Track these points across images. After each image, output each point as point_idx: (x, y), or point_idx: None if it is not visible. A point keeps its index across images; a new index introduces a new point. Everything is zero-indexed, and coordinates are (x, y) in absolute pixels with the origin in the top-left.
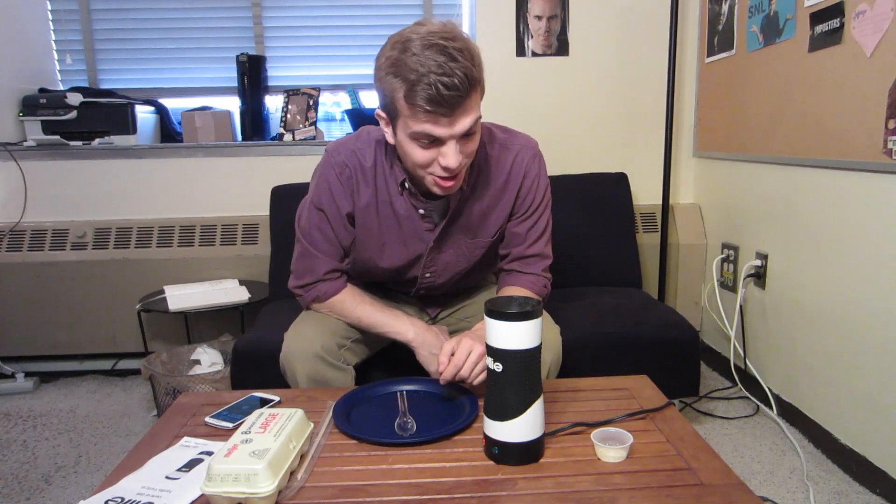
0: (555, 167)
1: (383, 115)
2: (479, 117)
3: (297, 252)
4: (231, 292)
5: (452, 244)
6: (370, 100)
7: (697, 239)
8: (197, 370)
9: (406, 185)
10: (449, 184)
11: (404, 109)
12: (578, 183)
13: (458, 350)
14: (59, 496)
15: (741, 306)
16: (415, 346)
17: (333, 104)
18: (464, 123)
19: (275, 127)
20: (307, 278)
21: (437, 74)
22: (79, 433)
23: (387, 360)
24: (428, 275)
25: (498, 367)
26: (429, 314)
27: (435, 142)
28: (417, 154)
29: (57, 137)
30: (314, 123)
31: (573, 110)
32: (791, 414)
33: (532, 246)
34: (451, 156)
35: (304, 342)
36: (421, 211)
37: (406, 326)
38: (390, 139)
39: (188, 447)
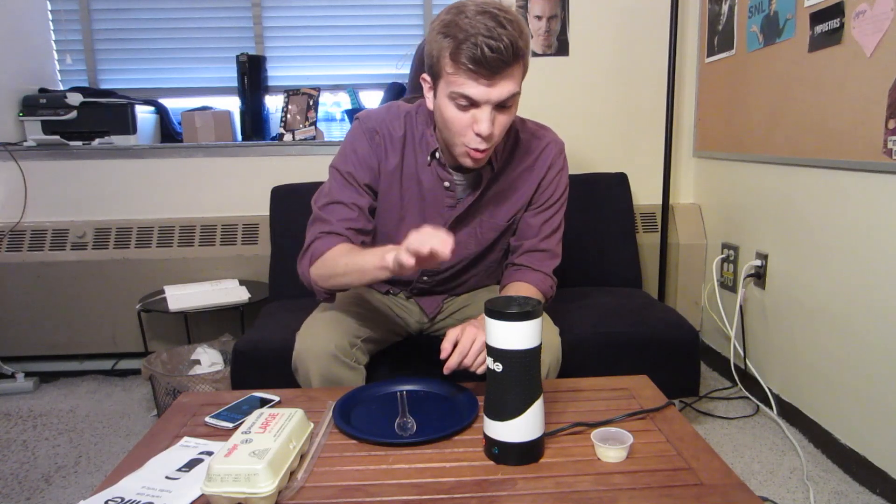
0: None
1: (427, 77)
2: (518, 93)
3: (308, 224)
4: (231, 292)
5: (468, 222)
6: (370, 100)
7: (697, 239)
8: (197, 370)
9: (437, 154)
10: (480, 155)
11: (448, 67)
12: (578, 183)
13: (462, 338)
14: (59, 496)
15: (741, 306)
16: (395, 259)
17: (333, 104)
18: (502, 90)
19: (275, 127)
20: (307, 242)
21: (484, 36)
22: (79, 433)
23: (388, 359)
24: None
25: (498, 367)
26: (427, 315)
27: (472, 105)
28: (454, 116)
29: (57, 137)
30: (314, 123)
31: (573, 110)
32: (791, 414)
33: (545, 241)
34: (484, 122)
35: (318, 341)
36: (446, 183)
37: (380, 252)
38: (430, 104)
39: (188, 447)
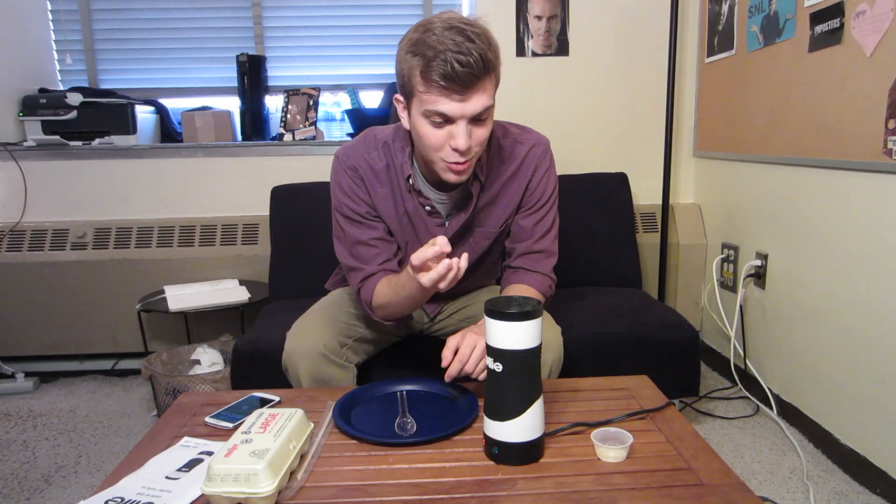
0: (555, 167)
1: (401, 98)
2: (492, 106)
3: (346, 273)
4: (231, 292)
5: (462, 239)
6: (370, 100)
7: (697, 239)
8: (197, 370)
9: (410, 180)
10: (461, 167)
11: (419, 86)
12: (578, 183)
13: (462, 345)
14: (59, 496)
15: (741, 306)
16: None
17: (333, 104)
18: (475, 104)
19: (275, 127)
20: (354, 292)
21: (453, 52)
22: (79, 433)
23: (388, 359)
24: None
25: (498, 367)
26: (427, 314)
27: (447, 122)
28: (430, 134)
29: (57, 137)
30: (314, 123)
31: (573, 110)
32: (791, 414)
33: (539, 241)
34: (461, 136)
35: (307, 341)
36: (427, 207)
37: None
38: (405, 123)
39: (188, 447)
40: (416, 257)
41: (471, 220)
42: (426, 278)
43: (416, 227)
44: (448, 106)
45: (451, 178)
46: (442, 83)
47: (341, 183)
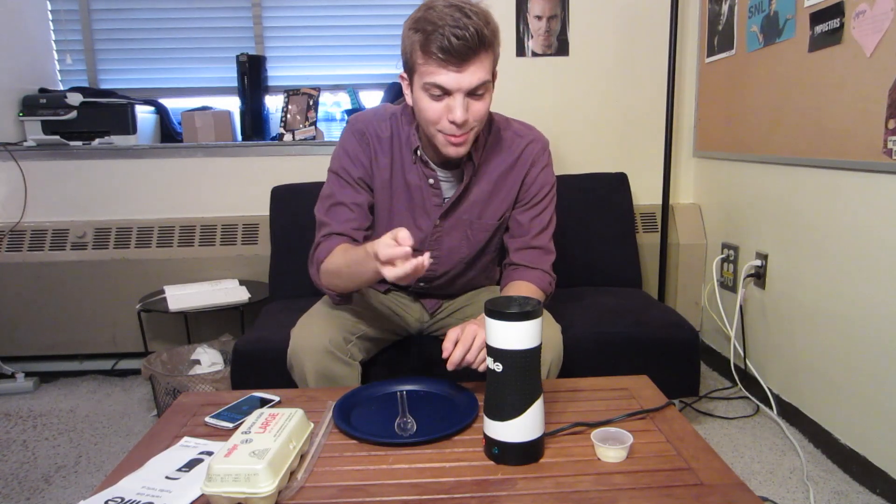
0: (555, 167)
1: (405, 74)
2: (490, 81)
3: (317, 225)
4: (231, 292)
5: (457, 223)
6: (370, 100)
7: (697, 239)
8: (197, 370)
9: (418, 152)
10: (459, 140)
11: (419, 59)
12: (578, 183)
13: (463, 335)
14: (59, 496)
15: (741, 306)
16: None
17: (333, 104)
18: (472, 77)
19: (275, 127)
20: (312, 247)
21: (451, 26)
22: (79, 433)
23: (388, 358)
24: (431, 259)
25: (498, 367)
26: (428, 311)
27: (445, 94)
28: (428, 107)
29: (57, 137)
30: (314, 123)
31: (573, 110)
32: (791, 414)
33: (537, 238)
34: (458, 109)
35: (313, 337)
36: (431, 180)
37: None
38: (409, 99)
39: (188, 447)
40: (384, 254)
41: (463, 203)
42: (391, 273)
43: (413, 200)
44: (445, 78)
45: (450, 151)
46: (440, 55)
47: (346, 144)
